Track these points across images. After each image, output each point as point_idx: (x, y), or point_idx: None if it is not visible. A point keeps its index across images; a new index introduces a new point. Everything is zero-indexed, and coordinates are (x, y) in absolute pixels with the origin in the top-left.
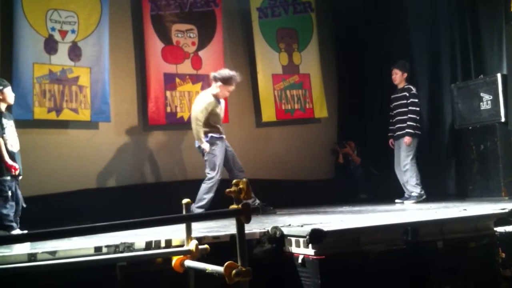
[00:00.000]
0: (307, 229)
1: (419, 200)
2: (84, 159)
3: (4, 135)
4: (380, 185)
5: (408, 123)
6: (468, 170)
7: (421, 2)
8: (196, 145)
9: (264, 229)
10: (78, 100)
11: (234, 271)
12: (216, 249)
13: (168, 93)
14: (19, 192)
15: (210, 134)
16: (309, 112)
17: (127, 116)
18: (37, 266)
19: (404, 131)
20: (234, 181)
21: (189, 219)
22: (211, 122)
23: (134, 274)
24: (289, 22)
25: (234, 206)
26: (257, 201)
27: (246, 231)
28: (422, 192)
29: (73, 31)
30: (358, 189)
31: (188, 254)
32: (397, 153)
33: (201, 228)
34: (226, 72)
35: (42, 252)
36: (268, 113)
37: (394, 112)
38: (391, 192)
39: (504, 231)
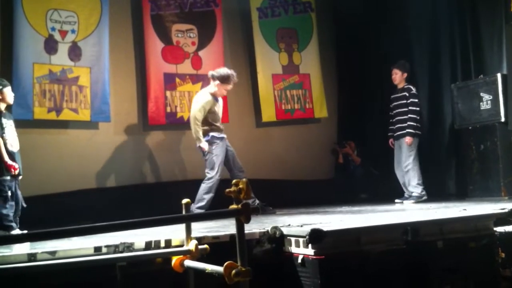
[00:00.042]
0: (307, 229)
1: (419, 200)
2: (84, 159)
3: (4, 134)
4: (380, 185)
5: (408, 123)
6: (468, 170)
7: (421, 2)
8: (197, 145)
9: (264, 229)
10: (78, 100)
11: (233, 271)
12: (216, 249)
13: (168, 93)
14: (19, 192)
15: (211, 134)
16: (309, 112)
17: (127, 116)
18: (37, 266)
19: (404, 131)
20: (234, 181)
21: (189, 219)
22: (209, 120)
23: (134, 274)
24: (289, 22)
25: (234, 206)
26: (257, 201)
27: (246, 231)
28: (424, 193)
29: (73, 31)
30: (358, 189)
31: (188, 254)
32: (397, 153)
33: (201, 228)
34: (224, 70)
35: (42, 252)
36: (268, 113)
37: (394, 112)
38: (391, 192)
39: (504, 231)
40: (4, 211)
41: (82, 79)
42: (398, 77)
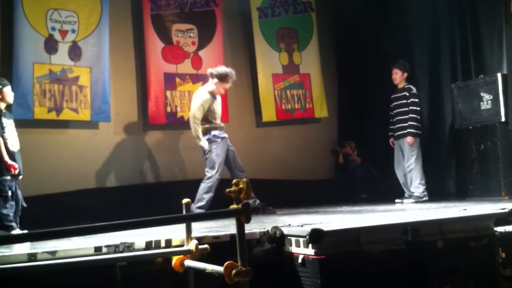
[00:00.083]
0: (307, 229)
1: (420, 200)
2: (84, 159)
3: (4, 134)
4: (380, 185)
5: (409, 123)
6: (468, 170)
7: (421, 2)
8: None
9: (264, 229)
10: (78, 100)
11: (234, 271)
12: (216, 249)
13: (168, 93)
14: (19, 192)
15: (212, 132)
16: (309, 112)
17: (127, 116)
18: (37, 266)
19: (405, 131)
20: (234, 181)
21: (189, 219)
22: (209, 118)
23: (134, 274)
24: (289, 22)
25: (234, 206)
26: (257, 201)
27: (246, 231)
28: (425, 193)
29: (73, 31)
30: (358, 189)
31: (188, 254)
32: (397, 153)
33: (201, 228)
34: (222, 69)
35: (42, 252)
36: (268, 113)
37: (394, 112)
38: (391, 192)
39: (504, 231)
40: (4, 211)
41: (82, 79)
42: (398, 77)
